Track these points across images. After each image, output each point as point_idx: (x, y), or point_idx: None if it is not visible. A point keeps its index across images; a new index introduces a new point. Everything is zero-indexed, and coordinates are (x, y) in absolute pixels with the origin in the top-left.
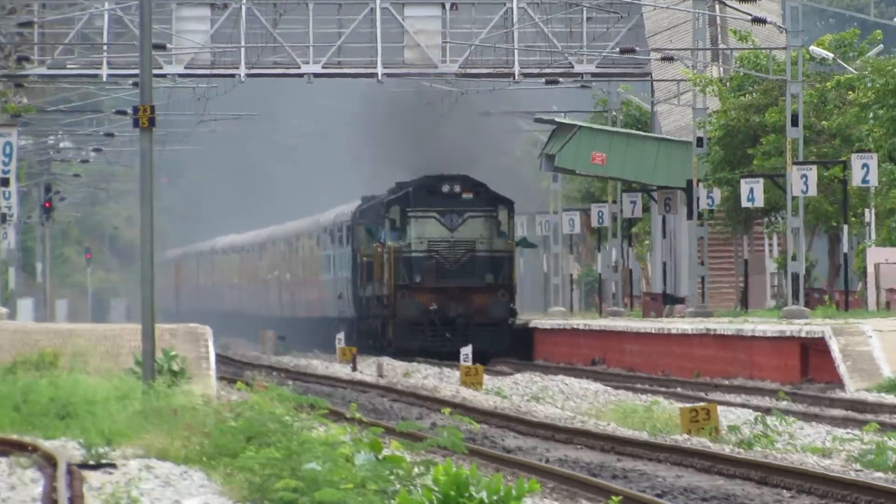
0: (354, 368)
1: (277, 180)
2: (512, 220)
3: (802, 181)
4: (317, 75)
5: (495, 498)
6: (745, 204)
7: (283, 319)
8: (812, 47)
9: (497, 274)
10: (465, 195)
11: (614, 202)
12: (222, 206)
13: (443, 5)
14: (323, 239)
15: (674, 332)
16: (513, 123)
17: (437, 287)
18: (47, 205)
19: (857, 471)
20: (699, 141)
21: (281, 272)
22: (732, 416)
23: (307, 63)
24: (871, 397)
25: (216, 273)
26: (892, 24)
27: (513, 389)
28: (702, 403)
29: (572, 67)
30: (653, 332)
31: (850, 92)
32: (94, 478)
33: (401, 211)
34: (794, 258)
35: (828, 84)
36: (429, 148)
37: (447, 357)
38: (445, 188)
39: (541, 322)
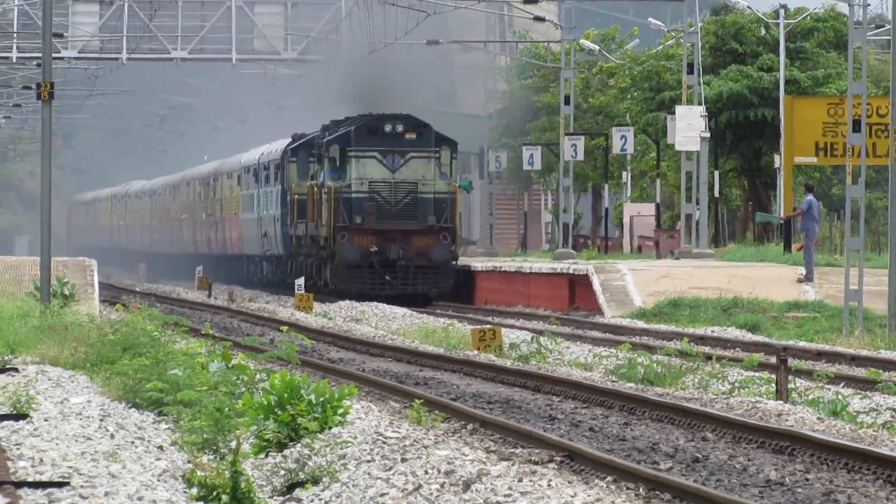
0: (210, 295)
1: (152, 141)
2: (455, 160)
3: (572, 149)
4: (184, 59)
5: (321, 399)
6: (525, 167)
7: (197, 256)
8: (581, 40)
9: (439, 216)
10: (407, 135)
11: None
12: (106, 163)
13: (285, 3)
14: (245, 178)
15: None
16: None
17: (377, 229)
18: None
19: (612, 381)
20: (490, 116)
21: (196, 212)
22: (513, 336)
23: (176, 50)
24: (625, 322)
25: (129, 214)
26: (646, 23)
27: (337, 313)
28: (488, 326)
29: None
30: None
31: (610, 78)
32: (0, 379)
33: (341, 150)
34: (564, 210)
35: (593, 70)
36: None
37: (388, 301)
38: (388, 127)
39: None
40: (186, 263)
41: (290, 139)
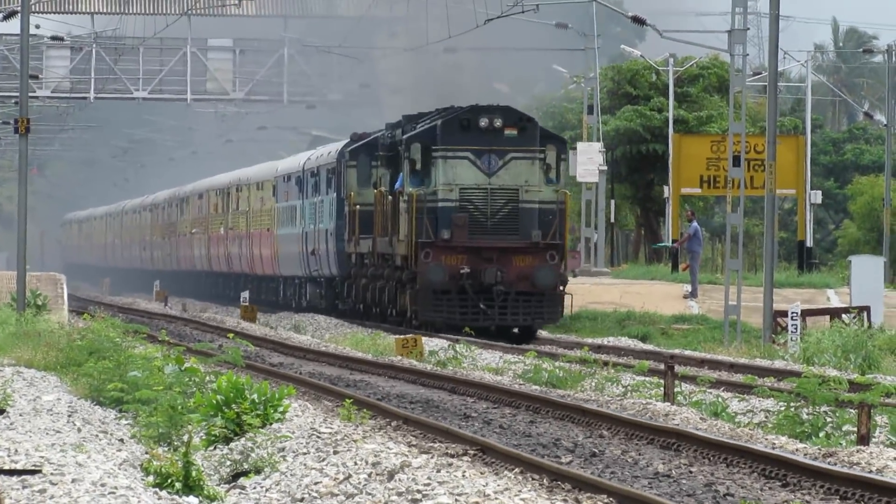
0: (166, 305)
1: (116, 171)
2: (563, 161)
3: None
4: (144, 99)
5: (263, 398)
6: None
7: (215, 275)
8: (494, 83)
9: (545, 230)
10: (507, 131)
11: None
12: (76, 190)
13: (234, 50)
14: (283, 188)
15: None
16: None
17: (469, 246)
18: None
19: (520, 384)
20: None
21: (212, 227)
22: (432, 344)
23: (137, 90)
24: None
25: (124, 231)
26: (550, 69)
27: (278, 322)
28: (411, 335)
29: (325, 97)
30: None
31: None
32: None
33: (424, 149)
34: None
35: None
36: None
37: (483, 334)
38: (483, 121)
39: None
40: (196, 283)
41: (349, 139)
